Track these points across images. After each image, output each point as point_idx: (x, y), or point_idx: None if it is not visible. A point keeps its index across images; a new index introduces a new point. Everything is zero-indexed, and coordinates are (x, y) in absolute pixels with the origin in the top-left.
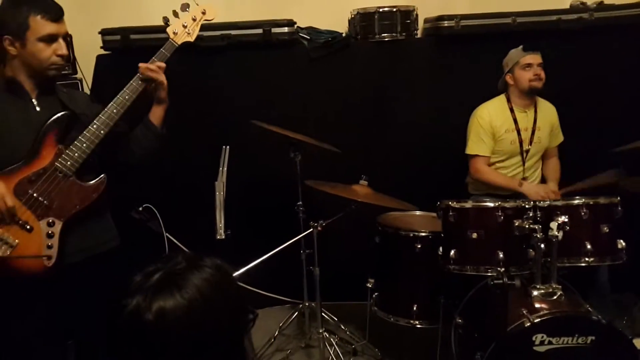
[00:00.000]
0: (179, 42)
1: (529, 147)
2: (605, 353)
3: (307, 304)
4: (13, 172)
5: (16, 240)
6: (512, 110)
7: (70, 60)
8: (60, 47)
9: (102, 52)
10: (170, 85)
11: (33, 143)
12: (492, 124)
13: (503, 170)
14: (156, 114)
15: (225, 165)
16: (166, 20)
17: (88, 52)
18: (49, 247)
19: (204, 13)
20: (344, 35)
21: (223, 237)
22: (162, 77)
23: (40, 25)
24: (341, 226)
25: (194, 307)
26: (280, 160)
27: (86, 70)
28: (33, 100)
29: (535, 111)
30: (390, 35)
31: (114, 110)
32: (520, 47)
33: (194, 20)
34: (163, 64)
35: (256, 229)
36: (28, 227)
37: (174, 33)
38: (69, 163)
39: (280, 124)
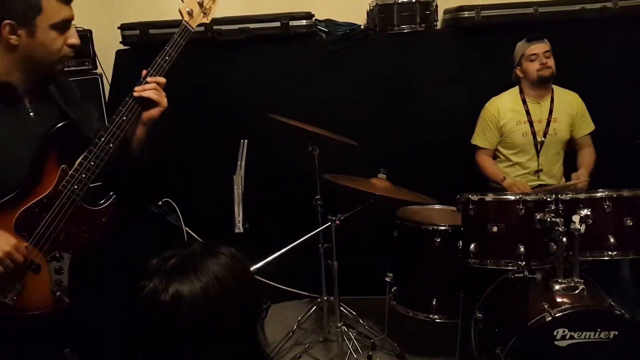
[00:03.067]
0: (195, 25)
1: (543, 139)
2: (628, 348)
3: (325, 298)
4: (13, 204)
5: (21, 283)
6: (524, 102)
7: (90, 56)
8: (73, 34)
9: (122, 47)
10: (188, 79)
11: (32, 164)
12: (499, 117)
13: (517, 165)
14: (137, 136)
15: (244, 159)
16: None
17: (108, 47)
18: (58, 283)
19: None
20: (362, 27)
21: (241, 230)
22: (163, 98)
23: (55, 8)
24: (359, 220)
25: (210, 291)
26: (299, 153)
27: (106, 65)
28: (27, 105)
29: (552, 102)
30: (410, 26)
31: (124, 118)
32: (525, 38)
33: None
34: (162, 80)
35: (274, 222)
36: (34, 266)
37: (188, 14)
38: (75, 186)
39: (298, 117)
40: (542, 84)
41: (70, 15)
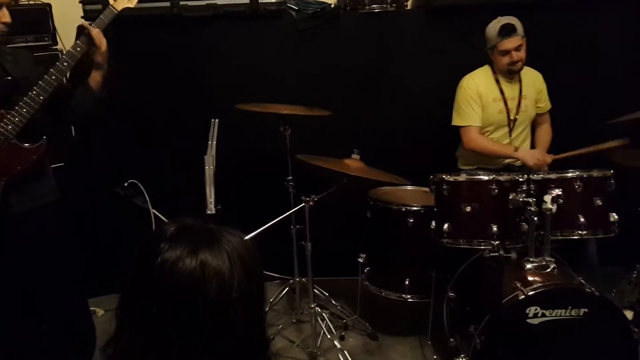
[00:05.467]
0: (119, 9)
1: (516, 116)
2: (598, 324)
3: (297, 279)
4: None
5: None
6: (497, 81)
7: (50, 31)
8: (4, 14)
9: (83, 22)
10: (156, 56)
11: None
12: (479, 93)
13: None
14: (94, 79)
15: (215, 138)
16: None
17: (68, 22)
18: None
19: None
20: (332, 6)
21: (213, 212)
22: (102, 43)
23: None
24: (332, 201)
25: (234, 263)
26: (271, 133)
27: (66, 40)
28: None
29: (520, 80)
30: (380, 6)
31: (53, 77)
32: (499, 26)
33: None
34: (98, 28)
35: (246, 203)
36: None
37: None
38: (10, 127)
39: (269, 96)
40: (511, 75)
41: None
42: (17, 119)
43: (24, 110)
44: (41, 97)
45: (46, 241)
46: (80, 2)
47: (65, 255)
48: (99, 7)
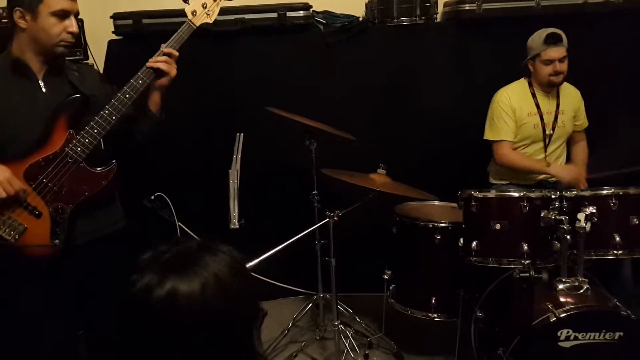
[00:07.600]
0: (198, 24)
1: (552, 132)
2: (634, 350)
3: (321, 295)
4: (24, 156)
5: (25, 225)
6: (534, 95)
7: (82, 46)
8: (72, 24)
9: (114, 37)
10: (183, 70)
11: (44, 127)
12: (512, 108)
13: None
14: (154, 101)
15: (239, 153)
16: None
17: (99, 37)
18: (57, 232)
19: None
20: (360, 19)
21: (237, 226)
22: (172, 69)
23: (55, 0)
24: (357, 216)
25: (208, 289)
26: (296, 148)
27: (97, 55)
28: (40, 81)
29: (558, 95)
30: (409, 19)
31: (127, 96)
32: (545, 34)
33: (215, 0)
34: (175, 52)
35: (270, 218)
36: (37, 212)
37: (192, 13)
38: (79, 149)
39: (295, 111)
40: (551, 87)
41: (69, 7)
42: (87, 140)
43: (95, 131)
44: (114, 118)
45: (110, 268)
46: (111, 17)
47: (123, 279)
48: (130, 22)
